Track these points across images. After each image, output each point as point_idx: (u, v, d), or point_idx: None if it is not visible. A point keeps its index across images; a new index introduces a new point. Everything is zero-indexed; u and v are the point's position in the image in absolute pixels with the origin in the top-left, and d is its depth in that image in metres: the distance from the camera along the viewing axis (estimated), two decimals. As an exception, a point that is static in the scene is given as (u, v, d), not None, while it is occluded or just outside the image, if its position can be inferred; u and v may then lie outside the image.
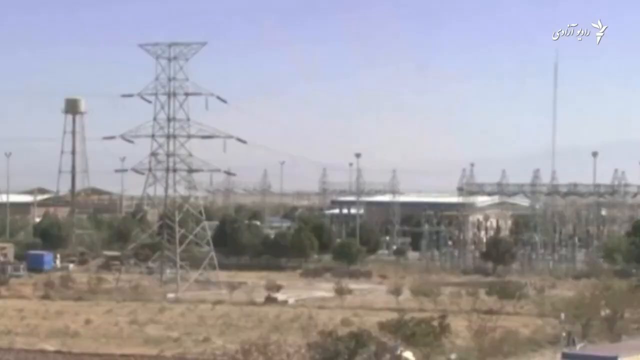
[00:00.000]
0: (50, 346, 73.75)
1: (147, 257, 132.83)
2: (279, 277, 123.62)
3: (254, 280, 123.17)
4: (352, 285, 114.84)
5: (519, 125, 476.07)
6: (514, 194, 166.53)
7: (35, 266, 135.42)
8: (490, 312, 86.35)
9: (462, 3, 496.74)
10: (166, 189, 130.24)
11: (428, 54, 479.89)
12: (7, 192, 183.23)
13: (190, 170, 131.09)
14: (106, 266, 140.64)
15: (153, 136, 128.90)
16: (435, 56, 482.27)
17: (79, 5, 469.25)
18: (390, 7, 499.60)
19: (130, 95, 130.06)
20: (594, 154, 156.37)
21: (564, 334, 72.32)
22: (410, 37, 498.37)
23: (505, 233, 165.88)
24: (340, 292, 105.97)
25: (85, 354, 70.62)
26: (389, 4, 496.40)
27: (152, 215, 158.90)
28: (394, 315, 68.31)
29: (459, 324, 72.48)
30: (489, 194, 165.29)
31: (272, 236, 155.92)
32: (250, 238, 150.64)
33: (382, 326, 63.95)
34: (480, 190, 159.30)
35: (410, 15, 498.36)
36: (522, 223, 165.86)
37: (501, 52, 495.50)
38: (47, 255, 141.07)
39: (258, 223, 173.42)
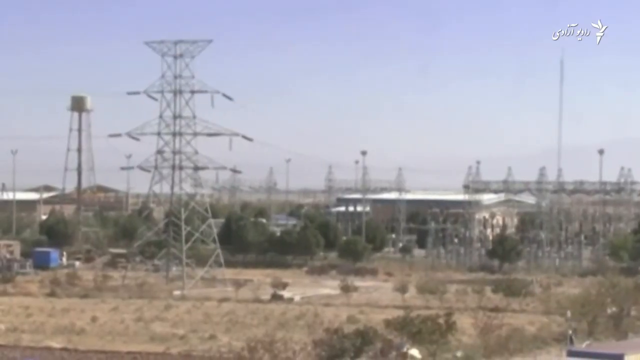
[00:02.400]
0: (56, 343, 73.79)
1: (153, 255, 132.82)
2: (284, 275, 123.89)
3: (260, 277, 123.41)
4: (358, 282, 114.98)
5: (521, 123, 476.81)
6: (520, 191, 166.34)
7: (42, 263, 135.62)
8: (496, 309, 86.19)
9: (462, 3, 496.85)
10: (172, 187, 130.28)
11: (429, 54, 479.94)
12: (14, 190, 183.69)
13: (196, 168, 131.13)
14: (112, 264, 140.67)
15: (159, 134, 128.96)
16: (436, 56, 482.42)
17: (83, 3, 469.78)
18: (391, 7, 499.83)
19: (136, 93, 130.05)
20: (600, 152, 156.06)
21: (570, 332, 72.29)
22: (411, 37, 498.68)
23: (511, 230, 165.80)
24: (346, 289, 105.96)
25: (91, 351, 70.62)
26: (389, 4, 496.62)
27: (158, 213, 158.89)
28: (399, 313, 68.37)
29: (464, 322, 72.56)
30: (495, 191, 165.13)
31: (278, 234, 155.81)
32: (256, 236, 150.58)
33: (388, 324, 64.01)
34: (486, 187, 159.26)
35: (411, 15, 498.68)
36: (528, 220, 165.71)
37: (501, 51, 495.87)
38: (53, 253, 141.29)
39: (264, 221, 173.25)
